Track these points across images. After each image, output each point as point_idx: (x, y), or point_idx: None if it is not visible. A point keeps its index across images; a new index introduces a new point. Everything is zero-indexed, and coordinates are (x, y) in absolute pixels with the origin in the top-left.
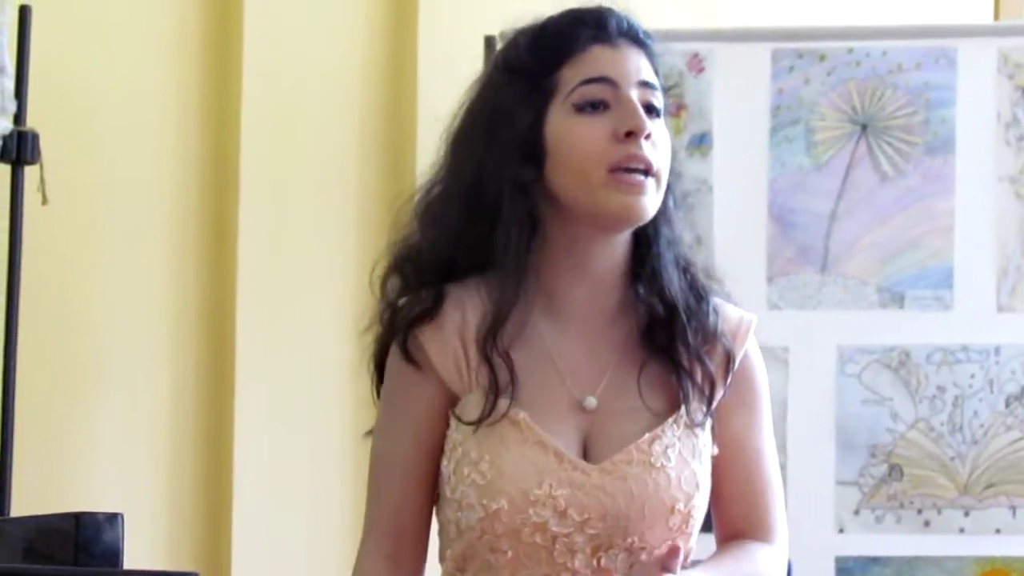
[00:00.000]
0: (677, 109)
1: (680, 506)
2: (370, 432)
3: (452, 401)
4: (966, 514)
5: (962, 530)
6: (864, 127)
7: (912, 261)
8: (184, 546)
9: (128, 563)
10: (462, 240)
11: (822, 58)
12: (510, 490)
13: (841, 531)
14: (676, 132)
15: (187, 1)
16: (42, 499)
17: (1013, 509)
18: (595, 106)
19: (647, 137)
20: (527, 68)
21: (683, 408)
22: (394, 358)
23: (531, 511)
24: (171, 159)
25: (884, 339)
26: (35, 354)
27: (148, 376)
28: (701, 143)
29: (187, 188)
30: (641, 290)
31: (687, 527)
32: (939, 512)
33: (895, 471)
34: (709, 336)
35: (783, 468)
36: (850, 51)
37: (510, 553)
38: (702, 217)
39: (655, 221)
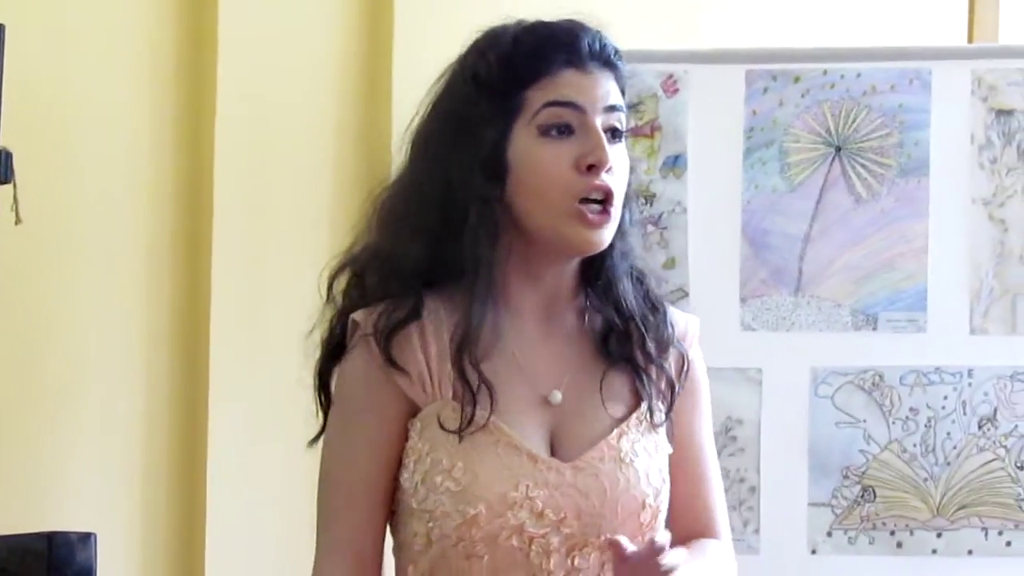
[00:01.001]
0: (651, 130)
1: (650, 501)
2: (314, 440)
3: (411, 412)
4: (939, 536)
5: (935, 551)
6: (838, 149)
7: (886, 283)
8: (158, 566)
9: None
10: (431, 246)
11: (796, 80)
12: (487, 495)
13: (814, 552)
14: (650, 153)
15: (161, 18)
16: (14, 519)
17: (985, 531)
18: (560, 130)
19: (608, 170)
20: (495, 84)
21: (644, 407)
22: (353, 369)
23: (509, 514)
24: (145, 177)
25: (857, 361)
26: (7, 373)
27: (121, 395)
28: (675, 164)
29: (161, 207)
30: (596, 300)
31: (655, 522)
32: (912, 534)
33: (868, 492)
34: (664, 344)
35: (756, 489)
36: (824, 73)
37: (486, 558)
38: (676, 238)
39: None
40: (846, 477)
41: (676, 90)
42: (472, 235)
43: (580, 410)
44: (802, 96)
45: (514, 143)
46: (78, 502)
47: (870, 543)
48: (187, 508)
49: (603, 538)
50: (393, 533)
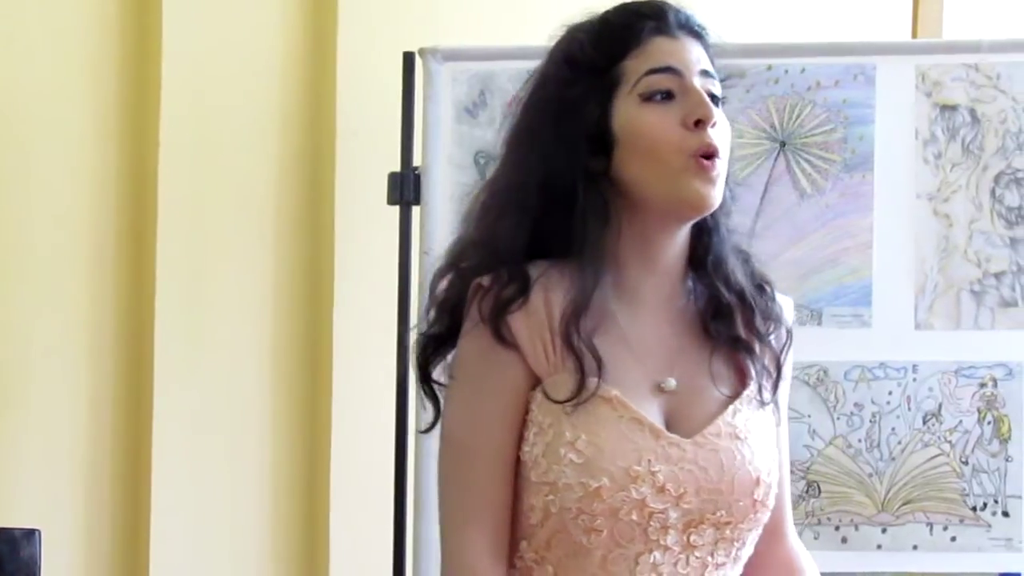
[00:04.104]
0: None
1: (764, 476)
2: (428, 429)
3: (534, 384)
4: (884, 531)
5: (880, 547)
6: (783, 144)
7: (830, 278)
8: (102, 562)
9: None
10: (531, 227)
11: (741, 75)
12: (610, 468)
13: None
14: None
15: (105, 18)
16: None
17: (930, 526)
18: (662, 95)
19: (713, 125)
20: (590, 61)
21: (753, 387)
22: (477, 342)
23: (631, 488)
24: (90, 174)
25: (802, 356)
26: None
27: (65, 391)
28: None
29: (106, 204)
30: (706, 279)
31: (767, 499)
32: (857, 529)
33: (813, 488)
34: (773, 321)
35: None
36: (769, 68)
37: (605, 532)
38: None
39: (715, 211)
40: (791, 472)
41: None
42: (581, 213)
43: (692, 391)
44: (746, 92)
45: (617, 115)
46: (22, 498)
47: (815, 538)
48: (131, 504)
49: (720, 514)
50: None
